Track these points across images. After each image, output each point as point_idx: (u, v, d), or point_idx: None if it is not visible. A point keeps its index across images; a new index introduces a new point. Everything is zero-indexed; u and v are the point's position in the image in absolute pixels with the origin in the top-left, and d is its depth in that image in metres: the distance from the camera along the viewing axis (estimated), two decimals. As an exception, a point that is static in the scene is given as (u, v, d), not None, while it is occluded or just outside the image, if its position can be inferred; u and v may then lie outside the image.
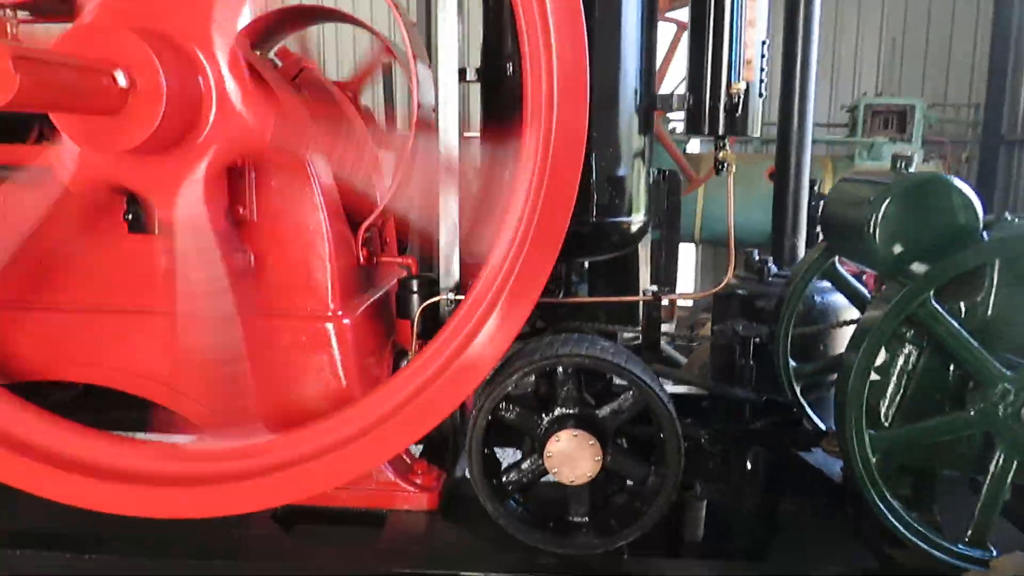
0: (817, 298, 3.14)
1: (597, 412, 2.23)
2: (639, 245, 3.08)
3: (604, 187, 2.73)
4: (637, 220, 2.86)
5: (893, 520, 2.17)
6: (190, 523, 2.35)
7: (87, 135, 2.09)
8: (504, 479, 2.30)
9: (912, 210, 2.21)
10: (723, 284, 2.80)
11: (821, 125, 11.20)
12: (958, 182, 2.23)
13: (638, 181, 2.84)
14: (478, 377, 2.23)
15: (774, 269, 3.26)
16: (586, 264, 3.14)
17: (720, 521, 2.92)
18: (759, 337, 2.84)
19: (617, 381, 2.30)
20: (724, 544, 2.84)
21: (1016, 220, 2.26)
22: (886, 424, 2.28)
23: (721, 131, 2.77)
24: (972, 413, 2.15)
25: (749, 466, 2.85)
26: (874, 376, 2.45)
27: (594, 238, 2.79)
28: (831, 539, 2.66)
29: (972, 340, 2.12)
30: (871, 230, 2.23)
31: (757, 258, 3.29)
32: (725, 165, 2.83)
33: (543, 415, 2.25)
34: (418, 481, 2.60)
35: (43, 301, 2.56)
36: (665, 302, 2.97)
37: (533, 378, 2.32)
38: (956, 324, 2.12)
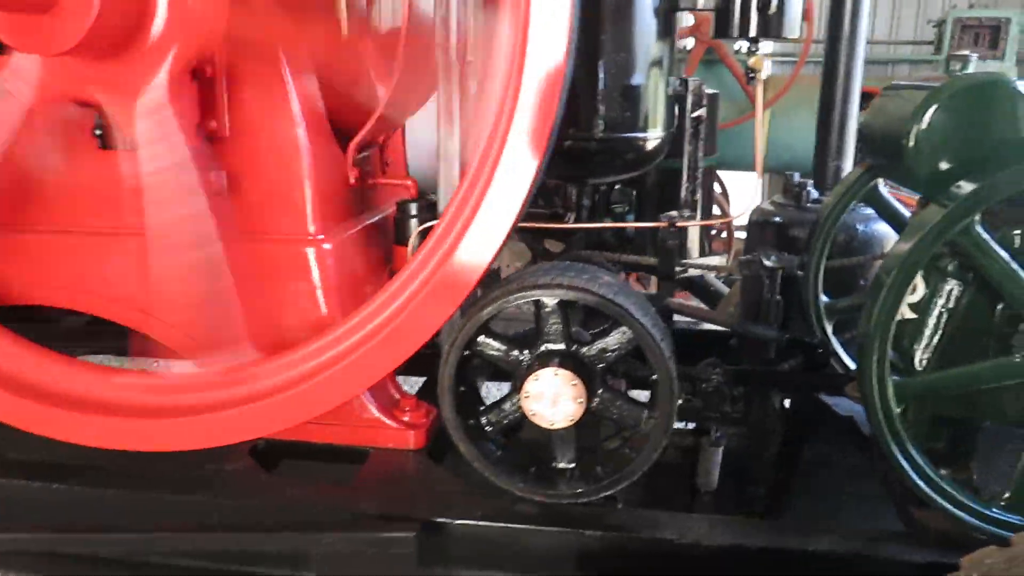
0: (860, 227, 2.79)
1: (583, 349, 2.00)
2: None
3: (614, 98, 2.45)
4: (654, 136, 2.57)
5: (916, 478, 1.90)
6: (166, 456, 2.27)
7: (21, 35, 1.92)
8: (483, 419, 2.12)
9: (962, 119, 1.87)
10: (744, 211, 2.50)
11: (903, 43, 10.34)
12: (1016, 86, 1.86)
13: (655, 93, 2.54)
14: (458, 296, 2.03)
15: (814, 194, 2.92)
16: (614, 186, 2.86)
17: (735, 471, 2.71)
18: (787, 269, 2.55)
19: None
20: (737, 496, 2.63)
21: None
22: (920, 369, 1.99)
23: (753, 32, 2.44)
24: (1020, 359, 1.83)
25: (768, 412, 2.60)
26: (909, 314, 2.15)
27: (603, 156, 2.53)
28: (855, 495, 2.42)
29: (1021, 271, 1.79)
30: (912, 142, 1.89)
31: (796, 181, 2.95)
32: (756, 74, 2.50)
33: (525, 351, 2.04)
34: (405, 418, 2.45)
35: (15, 223, 2.46)
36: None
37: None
38: (1007, 255, 1.79)
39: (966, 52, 7.90)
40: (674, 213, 2.71)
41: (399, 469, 2.32)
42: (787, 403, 2.70)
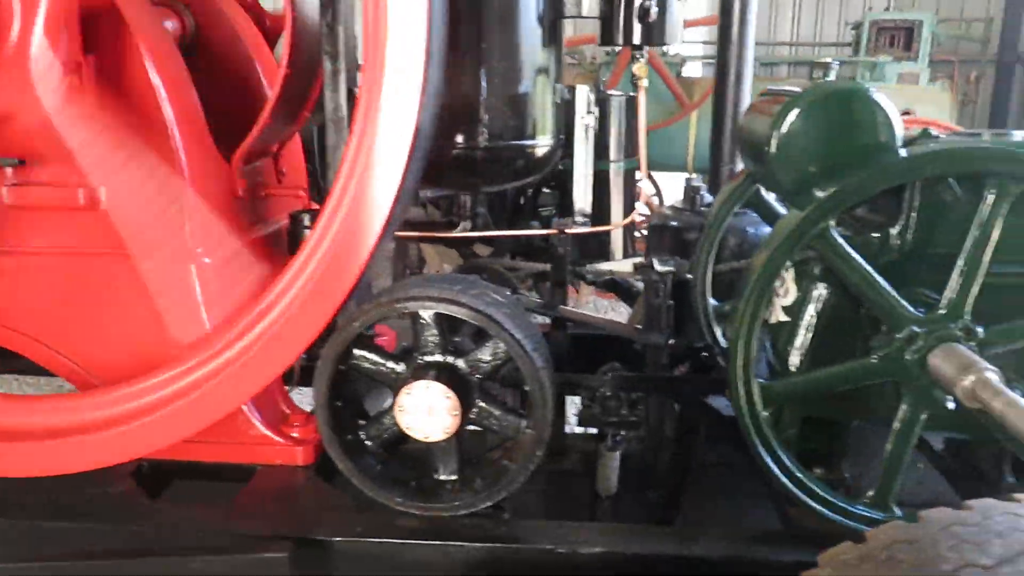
0: (750, 230, 2.83)
1: (456, 361, 1.99)
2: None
3: (499, 107, 2.44)
4: (543, 143, 2.57)
5: (783, 478, 1.93)
6: (47, 480, 2.19)
7: None
8: (363, 434, 2.09)
9: (820, 125, 1.90)
10: (630, 217, 2.52)
11: (826, 44, 10.63)
12: (876, 94, 1.91)
13: (542, 100, 2.54)
14: (327, 309, 1.99)
15: (708, 198, 2.96)
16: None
17: (637, 475, 2.73)
18: (678, 273, 2.58)
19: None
20: (635, 501, 2.65)
21: (942, 137, 1.95)
22: (793, 371, 2.03)
23: (637, 40, 2.46)
24: (875, 360, 1.88)
25: (663, 416, 2.63)
26: (783, 317, 2.20)
27: (492, 164, 2.52)
28: (743, 496, 2.45)
29: (877, 276, 1.83)
30: (772, 148, 1.92)
31: (691, 185, 2.99)
32: (639, 80, 2.53)
33: (401, 364, 2.02)
34: (294, 434, 2.40)
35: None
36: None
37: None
38: (859, 258, 1.83)
39: (883, 56, 8.20)
40: (591, 215, 2.73)
41: (283, 486, 2.28)
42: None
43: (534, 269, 2.62)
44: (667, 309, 2.59)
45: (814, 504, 1.93)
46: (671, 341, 2.45)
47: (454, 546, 2.03)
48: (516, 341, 1.88)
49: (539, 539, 2.03)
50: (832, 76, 2.23)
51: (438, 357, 1.99)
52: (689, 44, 10.20)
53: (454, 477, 2.09)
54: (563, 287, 2.57)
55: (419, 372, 1.98)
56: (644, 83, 2.45)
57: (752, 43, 2.95)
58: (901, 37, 8.20)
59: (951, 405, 1.86)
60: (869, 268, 1.83)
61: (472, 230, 2.72)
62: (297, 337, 2.00)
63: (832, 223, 1.82)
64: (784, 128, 1.90)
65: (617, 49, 8.80)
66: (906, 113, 8.06)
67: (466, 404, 2.00)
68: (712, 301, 2.60)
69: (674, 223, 3.06)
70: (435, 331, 1.99)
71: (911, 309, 1.83)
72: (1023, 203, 1.80)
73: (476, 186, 2.63)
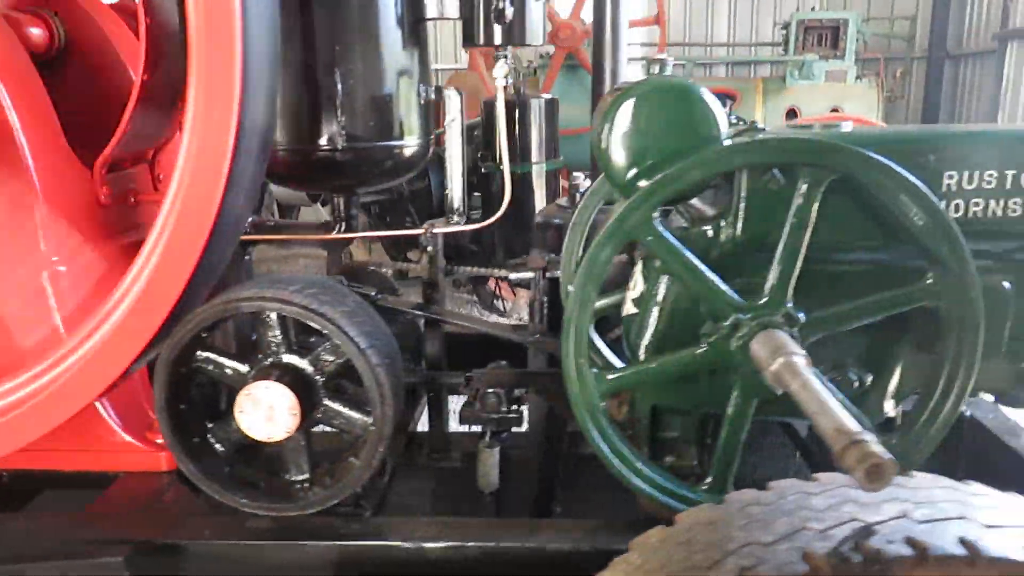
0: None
1: (298, 361, 1.99)
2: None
3: (357, 109, 2.45)
4: (411, 144, 2.58)
5: (620, 467, 1.96)
6: None
7: None
8: (210, 437, 2.08)
9: (645, 120, 1.93)
10: (497, 215, 2.54)
11: (761, 44, 10.80)
12: (699, 89, 1.95)
13: (406, 102, 2.55)
14: (166, 304, 1.96)
15: (588, 195, 2.98)
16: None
17: (520, 471, 2.76)
18: (548, 271, 2.61)
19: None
20: (515, 496, 2.68)
21: (768, 130, 1.99)
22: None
23: (498, 41, 2.48)
24: (704, 348, 1.91)
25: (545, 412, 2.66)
26: (633, 309, 2.24)
27: (356, 165, 2.52)
28: (605, 486, 2.48)
29: (700, 266, 1.87)
30: (602, 144, 1.96)
31: (573, 183, 3.01)
32: (496, 80, 2.56)
33: (244, 365, 2.02)
34: (158, 440, 2.38)
35: None
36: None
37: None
38: (682, 248, 1.86)
39: (811, 55, 8.35)
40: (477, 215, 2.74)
41: (141, 492, 2.26)
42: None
43: (404, 268, 2.63)
44: (539, 305, 2.62)
45: (655, 493, 1.96)
46: (536, 336, 2.48)
47: (309, 545, 2.03)
48: (349, 339, 1.89)
49: (388, 535, 2.03)
50: (668, 71, 2.27)
51: (279, 358, 1.99)
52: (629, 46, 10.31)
53: (304, 477, 2.09)
54: (434, 287, 2.58)
55: (260, 373, 1.98)
56: (501, 83, 2.47)
57: (624, 45, 3.00)
58: (828, 36, 8.36)
59: (780, 391, 1.90)
60: (692, 258, 1.86)
61: (348, 231, 2.72)
62: (132, 340, 1.98)
63: (655, 214, 1.85)
64: (611, 122, 1.93)
65: (551, 52, 8.87)
66: (834, 110, 8.23)
67: (310, 404, 2.00)
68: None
69: (556, 220, 3.09)
70: (277, 331, 1.99)
71: (734, 297, 1.86)
72: (850, 195, 1.84)
73: (347, 188, 2.63)
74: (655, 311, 2.05)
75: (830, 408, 1.44)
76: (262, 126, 1.94)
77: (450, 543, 1.99)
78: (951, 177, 1.90)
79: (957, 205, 1.92)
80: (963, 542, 1.29)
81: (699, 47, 10.73)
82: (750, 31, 10.80)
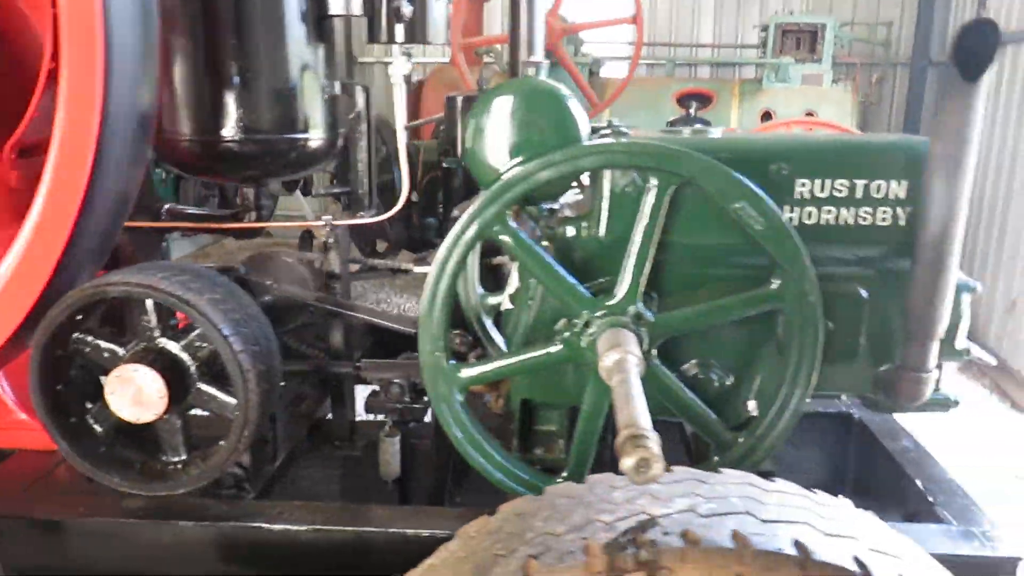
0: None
1: (169, 346, 2.05)
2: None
3: (260, 102, 2.51)
4: (316, 137, 2.64)
5: (479, 459, 2.01)
6: None
7: None
8: (89, 418, 2.14)
9: (509, 121, 1.98)
10: (396, 209, 2.60)
11: (739, 47, 10.80)
12: (564, 92, 2.00)
13: (311, 95, 2.60)
14: (35, 286, 2.00)
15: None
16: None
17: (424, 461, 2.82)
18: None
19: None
20: (417, 485, 2.74)
21: (630, 134, 2.04)
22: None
23: (400, 39, 2.53)
24: (558, 345, 1.97)
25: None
26: (508, 305, 2.30)
27: (259, 157, 2.58)
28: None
29: (553, 263, 1.92)
30: (466, 143, 2.01)
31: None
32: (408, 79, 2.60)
33: (119, 348, 2.08)
34: (55, 418, 2.45)
35: None
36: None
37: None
38: (534, 245, 1.91)
39: (787, 58, 8.35)
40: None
41: (32, 469, 2.32)
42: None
43: (307, 258, 2.69)
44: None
45: (512, 484, 2.02)
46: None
47: (183, 525, 2.09)
48: (212, 325, 1.94)
49: (258, 518, 2.10)
50: (543, 75, 2.31)
51: (154, 342, 2.05)
52: (610, 44, 10.34)
53: (180, 459, 2.15)
54: (335, 278, 2.64)
55: (132, 356, 2.04)
56: (399, 80, 2.52)
57: (542, 45, 3.05)
58: (806, 40, 8.38)
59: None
60: (546, 256, 1.92)
61: (257, 221, 2.78)
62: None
63: (509, 212, 1.90)
64: (477, 121, 1.98)
65: (530, 48, 8.89)
66: (809, 114, 8.25)
67: (182, 388, 2.06)
68: (480, 290, 2.69)
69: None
70: (150, 316, 2.05)
71: (586, 295, 1.92)
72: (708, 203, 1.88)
73: (252, 179, 2.68)
74: (526, 308, 2.11)
75: (633, 405, 1.49)
76: (134, 111, 2.00)
77: (315, 527, 2.05)
78: (803, 185, 1.95)
79: (809, 212, 1.97)
80: (735, 535, 1.34)
81: (684, 47, 10.75)
82: (735, 33, 10.81)
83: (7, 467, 2.34)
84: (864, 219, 1.96)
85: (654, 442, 1.34)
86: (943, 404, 2.08)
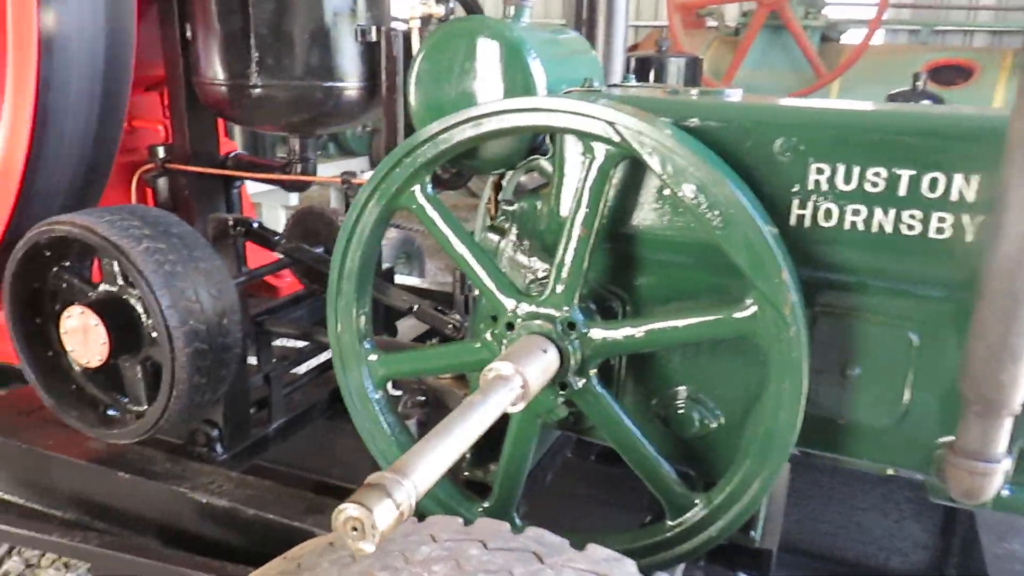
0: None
1: (128, 294, 1.99)
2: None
3: (287, 47, 2.38)
4: (352, 86, 2.47)
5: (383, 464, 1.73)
6: None
7: None
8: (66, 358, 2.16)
9: (448, 66, 1.64)
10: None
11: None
12: (515, 37, 1.60)
13: (341, 43, 2.43)
14: None
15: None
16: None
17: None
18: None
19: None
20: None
21: (611, 92, 1.59)
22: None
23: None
24: (477, 345, 1.60)
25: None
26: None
27: (292, 104, 2.46)
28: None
29: (471, 246, 1.55)
30: (407, 87, 1.71)
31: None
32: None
33: (92, 290, 2.06)
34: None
35: None
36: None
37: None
38: (452, 222, 1.55)
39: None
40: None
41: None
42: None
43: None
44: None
45: (432, 506, 1.70)
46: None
47: (121, 476, 2.05)
48: (140, 274, 1.83)
49: (182, 483, 2.00)
50: (525, 17, 1.81)
51: (115, 287, 2.00)
52: (859, 7, 8.99)
53: (138, 408, 2.10)
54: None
55: (86, 299, 2.01)
56: (416, 24, 2.23)
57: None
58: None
59: (562, 410, 1.55)
60: (464, 234, 1.55)
61: (303, 175, 2.67)
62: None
63: (426, 177, 1.56)
64: (415, 64, 1.67)
65: (752, 7, 8.00)
66: None
67: (133, 337, 2.00)
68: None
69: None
70: (109, 260, 2.00)
71: (509, 288, 1.53)
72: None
73: (291, 127, 2.56)
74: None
75: (441, 442, 1.14)
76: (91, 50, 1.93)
77: (232, 504, 1.91)
78: (820, 172, 1.39)
79: (828, 211, 1.40)
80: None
81: (930, 11, 9.01)
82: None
83: (11, 396, 2.46)
84: (910, 227, 1.36)
85: (400, 504, 0.99)
86: (1024, 509, 1.43)
